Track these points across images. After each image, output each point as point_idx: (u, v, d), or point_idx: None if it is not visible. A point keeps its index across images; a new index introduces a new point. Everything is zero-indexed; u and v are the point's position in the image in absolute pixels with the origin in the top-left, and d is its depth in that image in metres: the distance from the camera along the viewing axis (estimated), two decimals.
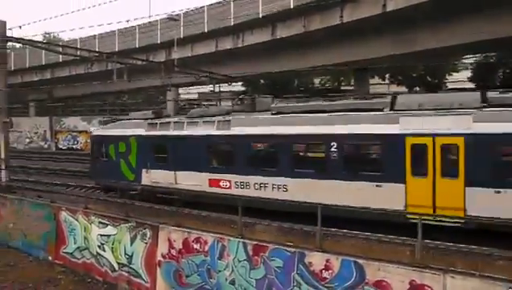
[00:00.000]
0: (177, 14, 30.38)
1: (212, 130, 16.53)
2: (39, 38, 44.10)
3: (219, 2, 29.33)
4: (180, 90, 43.65)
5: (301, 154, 14.84)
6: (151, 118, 19.31)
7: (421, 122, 12.55)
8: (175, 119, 18.51)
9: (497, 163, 11.44)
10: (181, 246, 12.83)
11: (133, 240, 14.06)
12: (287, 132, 14.70)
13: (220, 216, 13.82)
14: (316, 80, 50.67)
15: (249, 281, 11.39)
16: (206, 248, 12.31)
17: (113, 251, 14.60)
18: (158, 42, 32.96)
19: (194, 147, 16.54)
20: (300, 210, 12.33)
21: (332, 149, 13.61)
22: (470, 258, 9.55)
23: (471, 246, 10.00)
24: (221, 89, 43.88)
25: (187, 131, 17.25)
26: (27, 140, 54.41)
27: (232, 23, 27.75)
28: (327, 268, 10.17)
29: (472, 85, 36.61)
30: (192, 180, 16.42)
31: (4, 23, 20.25)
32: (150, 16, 54.18)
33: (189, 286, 12.63)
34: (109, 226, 14.81)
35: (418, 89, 41.71)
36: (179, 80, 26.72)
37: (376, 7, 21.66)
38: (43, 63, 41.92)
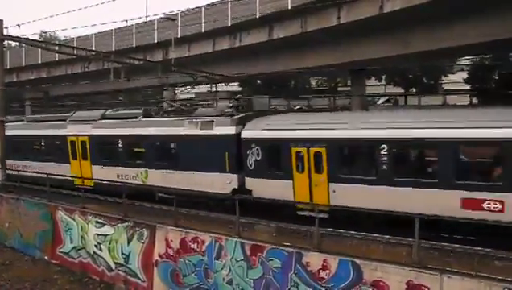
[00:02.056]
0: (174, 14, 30.36)
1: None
2: (36, 37, 43.86)
3: (216, 2, 29.32)
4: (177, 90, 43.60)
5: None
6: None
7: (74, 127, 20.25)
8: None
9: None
10: (178, 246, 12.86)
11: (130, 240, 14.08)
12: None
13: (218, 216, 13.81)
14: (313, 81, 50.84)
15: (247, 281, 11.43)
16: (203, 248, 12.35)
17: (109, 251, 14.61)
18: (156, 41, 32.87)
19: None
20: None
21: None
22: (467, 258, 9.60)
23: (467, 247, 10.05)
24: (217, 89, 43.91)
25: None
26: None
27: (229, 23, 27.73)
28: (324, 268, 10.23)
29: (468, 87, 36.86)
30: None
31: (1, 22, 20.17)
32: (147, 16, 54.18)
33: (186, 286, 12.67)
34: (106, 226, 14.81)
35: (414, 90, 41.96)
36: (176, 79, 26.68)
37: (373, 8, 21.69)
38: (40, 61, 41.72)
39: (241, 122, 15.31)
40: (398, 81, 43.17)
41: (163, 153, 17.29)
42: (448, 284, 8.83)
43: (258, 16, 26.06)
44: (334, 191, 12.90)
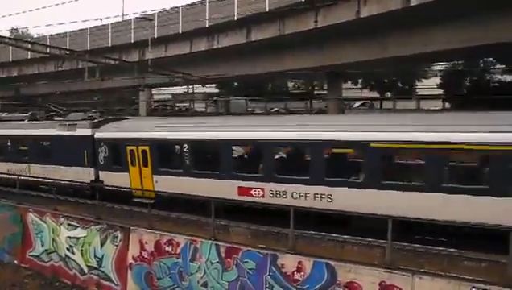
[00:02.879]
0: (151, 14, 30.14)
1: None
2: (7, 33, 42.76)
3: (194, 3, 29.21)
4: (153, 91, 43.24)
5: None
6: None
7: None
8: None
9: None
10: (153, 249, 12.69)
11: (103, 242, 13.82)
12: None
13: (194, 218, 13.72)
14: (290, 84, 51.16)
15: (222, 283, 11.37)
16: (178, 250, 12.22)
17: (82, 254, 14.30)
18: (132, 41, 32.54)
19: None
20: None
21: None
22: (438, 259, 9.82)
23: (438, 248, 10.28)
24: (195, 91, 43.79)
25: None
26: None
27: (207, 25, 27.68)
28: (299, 270, 10.25)
29: (441, 91, 37.77)
30: None
31: None
32: (123, 15, 53.51)
33: (161, 289, 12.50)
34: (78, 228, 14.50)
35: (389, 94, 42.73)
36: (152, 80, 26.45)
37: (350, 13, 22.03)
38: (11, 60, 40.69)
39: (97, 126, 18.10)
40: (374, 85, 43.90)
41: (41, 150, 20.16)
42: (419, 284, 8.98)
43: (236, 18, 26.12)
44: (156, 181, 15.60)
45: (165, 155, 16.01)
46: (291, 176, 12.94)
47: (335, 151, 13.52)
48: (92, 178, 17.60)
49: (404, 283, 9.09)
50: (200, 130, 15.30)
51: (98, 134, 17.52)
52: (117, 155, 16.79)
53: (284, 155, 14.97)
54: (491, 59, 34.32)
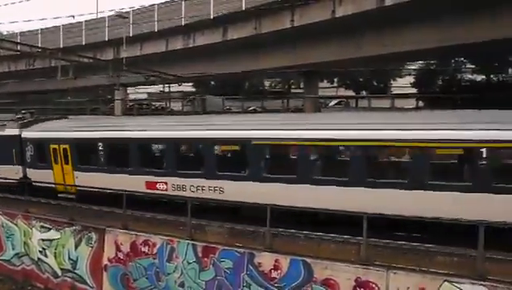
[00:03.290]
0: (126, 12, 29.70)
1: None
2: None
3: (170, 1, 28.91)
4: (129, 90, 42.64)
5: None
6: None
7: None
8: None
9: None
10: (129, 250, 12.55)
11: (77, 244, 13.60)
12: None
13: (170, 218, 13.58)
14: (267, 83, 51.27)
15: (199, 283, 11.35)
16: (154, 251, 12.13)
17: (55, 257, 14.05)
18: (106, 39, 31.98)
19: None
20: None
21: None
22: (412, 254, 10.01)
23: (413, 244, 10.48)
24: (171, 90, 43.34)
25: None
26: None
27: (183, 23, 27.45)
28: (276, 268, 10.32)
29: (414, 90, 38.52)
30: None
31: None
32: (97, 12, 52.50)
33: None
34: (51, 230, 14.22)
35: (364, 92, 43.33)
36: (127, 79, 26.07)
37: (325, 13, 22.21)
38: None
39: (26, 126, 18.86)
40: (350, 84, 44.43)
41: None
42: (393, 280, 9.16)
43: (212, 17, 25.99)
44: (77, 177, 16.70)
45: (83, 153, 17.00)
46: (190, 171, 14.29)
47: (224, 147, 15.32)
48: (21, 175, 18.46)
49: (379, 279, 9.26)
50: (113, 129, 16.72)
51: (25, 134, 18.43)
52: (42, 153, 17.69)
53: (184, 152, 16.46)
54: (462, 58, 35.20)
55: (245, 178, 13.23)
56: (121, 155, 15.94)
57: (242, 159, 13.72)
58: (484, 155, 10.39)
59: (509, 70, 34.58)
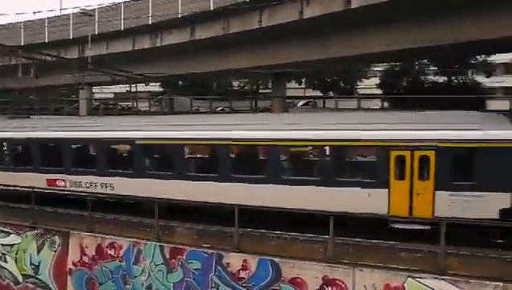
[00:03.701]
0: (92, 9, 29.00)
1: None
2: None
3: (137, 0, 28.43)
4: (95, 89, 41.65)
5: None
6: None
7: None
8: None
9: None
10: (94, 253, 12.29)
11: (40, 248, 13.19)
12: None
13: (141, 220, 13.34)
14: (235, 83, 51.23)
15: (167, 285, 11.24)
16: (121, 253, 11.92)
17: (16, 262, 13.57)
18: (71, 37, 31.12)
19: None
20: None
21: None
22: (377, 251, 10.23)
23: (378, 241, 10.72)
24: (139, 89, 42.64)
25: None
26: None
27: (150, 22, 27.06)
28: (244, 268, 10.34)
29: (380, 91, 39.42)
30: None
31: None
32: (61, 9, 51.10)
33: None
34: (11, 235, 13.73)
35: (331, 93, 43.99)
36: (93, 78, 25.47)
37: (293, 13, 22.36)
38: None
39: None
40: (317, 85, 44.96)
41: None
42: (359, 277, 9.36)
43: (180, 16, 25.73)
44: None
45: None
46: (84, 169, 15.72)
47: (113, 146, 16.31)
48: None
49: (346, 276, 9.44)
50: (18, 130, 17.87)
51: None
52: None
53: (79, 151, 17.27)
54: (425, 61, 36.26)
55: (131, 175, 14.65)
56: (25, 154, 17.29)
57: (129, 158, 15.38)
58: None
59: (469, 73, 35.89)
